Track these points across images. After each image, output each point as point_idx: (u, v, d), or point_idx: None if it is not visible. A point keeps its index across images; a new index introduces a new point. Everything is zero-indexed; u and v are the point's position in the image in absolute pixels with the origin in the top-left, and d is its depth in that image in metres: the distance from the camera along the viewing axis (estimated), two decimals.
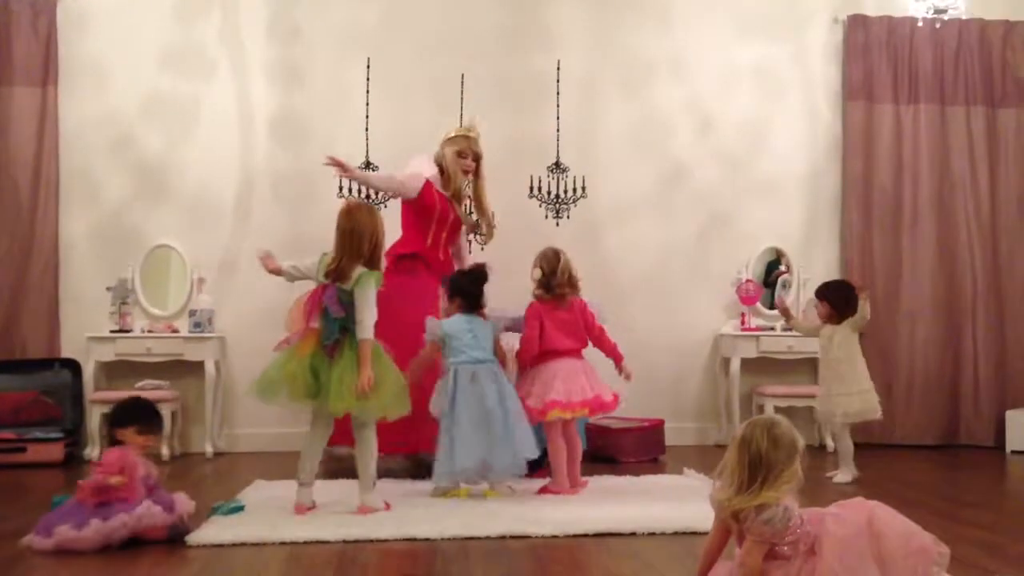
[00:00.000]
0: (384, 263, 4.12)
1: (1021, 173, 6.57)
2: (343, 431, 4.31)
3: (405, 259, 5.22)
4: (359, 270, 3.96)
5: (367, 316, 3.93)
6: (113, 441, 3.69)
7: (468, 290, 4.54)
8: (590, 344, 4.71)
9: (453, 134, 5.41)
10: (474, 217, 5.51)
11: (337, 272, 3.97)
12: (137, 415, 3.73)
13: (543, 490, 4.54)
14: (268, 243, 5.71)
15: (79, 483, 3.59)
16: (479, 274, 4.63)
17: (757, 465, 2.48)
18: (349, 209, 4.11)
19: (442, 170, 5.37)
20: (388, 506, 4.07)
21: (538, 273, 4.64)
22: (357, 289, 3.93)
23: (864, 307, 4.92)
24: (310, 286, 4.12)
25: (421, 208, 5.27)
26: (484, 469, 4.36)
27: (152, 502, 3.53)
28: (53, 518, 3.48)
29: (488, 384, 4.38)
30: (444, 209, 5.32)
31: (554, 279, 4.60)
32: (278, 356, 4.07)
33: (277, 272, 4.19)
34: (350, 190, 5.68)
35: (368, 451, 4.07)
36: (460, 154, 5.31)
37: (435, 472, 4.38)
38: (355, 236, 3.98)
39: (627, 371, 4.72)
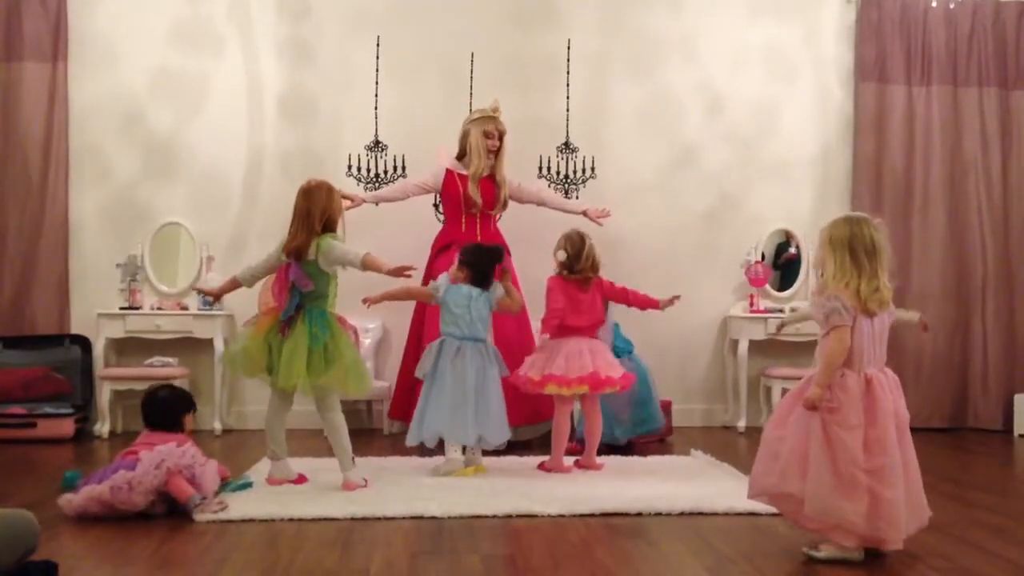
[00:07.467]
0: (341, 232, 4.21)
1: None
2: (519, 410, 4.82)
3: (445, 250, 5.34)
4: (315, 242, 4.08)
5: (348, 251, 4.04)
6: (174, 425, 3.90)
7: (478, 264, 4.53)
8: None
9: (478, 115, 5.48)
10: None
11: (296, 250, 4.08)
12: (192, 401, 4.10)
13: (541, 466, 4.63)
14: (276, 221, 5.79)
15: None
16: (494, 252, 4.63)
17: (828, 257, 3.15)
18: (307, 189, 4.19)
19: (463, 151, 5.44)
20: (366, 482, 4.11)
21: (563, 255, 4.66)
22: (323, 251, 4.05)
23: None
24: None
25: (447, 198, 5.48)
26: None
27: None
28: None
29: (471, 363, 4.42)
30: (468, 192, 5.38)
31: (578, 263, 4.64)
32: (242, 331, 4.29)
33: (222, 292, 4.50)
34: (359, 168, 5.68)
35: (336, 431, 4.14)
36: (487, 135, 5.39)
37: (408, 433, 4.49)
38: (309, 215, 4.11)
39: (668, 300, 4.82)
